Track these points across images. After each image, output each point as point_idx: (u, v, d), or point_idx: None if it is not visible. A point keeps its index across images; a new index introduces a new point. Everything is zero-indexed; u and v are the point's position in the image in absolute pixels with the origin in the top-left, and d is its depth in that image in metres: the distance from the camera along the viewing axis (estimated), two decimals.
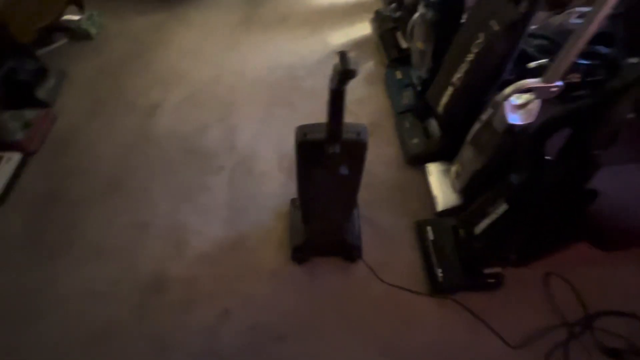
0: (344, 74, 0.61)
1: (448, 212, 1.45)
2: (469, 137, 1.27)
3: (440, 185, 1.52)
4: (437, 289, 1.26)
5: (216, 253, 1.40)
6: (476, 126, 1.21)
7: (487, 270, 1.20)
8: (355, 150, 0.81)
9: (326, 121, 0.75)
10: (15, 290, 1.29)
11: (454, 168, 1.48)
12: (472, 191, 1.39)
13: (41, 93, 1.83)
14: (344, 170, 0.83)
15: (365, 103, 1.92)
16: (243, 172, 1.64)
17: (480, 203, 1.12)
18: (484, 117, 1.16)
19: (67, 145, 1.72)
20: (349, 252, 1.31)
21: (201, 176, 1.62)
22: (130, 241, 1.42)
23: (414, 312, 1.24)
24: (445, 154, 1.56)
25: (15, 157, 1.58)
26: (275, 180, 1.62)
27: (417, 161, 1.61)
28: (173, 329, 1.22)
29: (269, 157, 1.70)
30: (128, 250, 1.39)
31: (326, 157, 0.79)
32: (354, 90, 1.98)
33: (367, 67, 2.12)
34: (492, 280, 1.22)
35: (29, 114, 1.70)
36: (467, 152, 1.33)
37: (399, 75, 1.95)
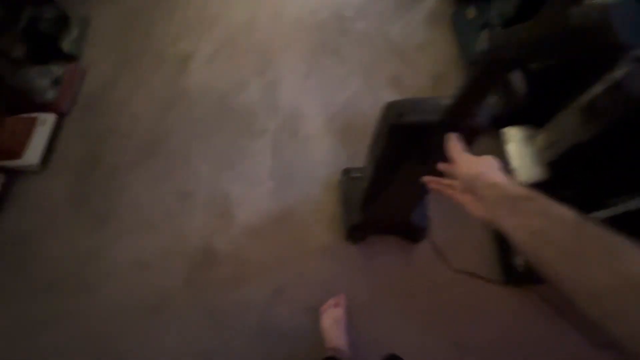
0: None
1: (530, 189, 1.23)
2: (582, 99, 0.99)
3: (521, 155, 1.28)
4: (514, 278, 1.11)
5: (263, 227, 1.30)
6: (597, 87, 0.93)
7: None
8: (471, 137, 0.60)
9: (455, 99, 0.53)
10: (68, 258, 1.29)
11: (542, 136, 1.22)
12: (566, 167, 1.15)
13: (66, 45, 1.67)
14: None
15: (426, 50, 1.61)
16: (287, 136, 1.47)
17: (593, 188, 0.90)
18: (613, 75, 0.88)
19: (100, 105, 1.60)
20: (413, 233, 1.16)
21: (242, 140, 1.47)
22: (175, 211, 1.34)
23: (485, 301, 1.12)
24: (530, 116, 1.29)
25: (49, 119, 1.49)
26: (323, 144, 1.44)
27: (494, 125, 1.35)
28: (226, 304, 1.18)
29: (315, 117, 1.50)
30: (173, 221, 1.33)
31: (432, 146, 0.59)
32: (412, 34, 1.65)
33: (429, 4, 1.75)
34: None
35: (57, 69, 1.57)
36: (569, 118, 1.06)
37: (471, 14, 1.58)
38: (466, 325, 1.10)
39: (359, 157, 1.40)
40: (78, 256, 1.29)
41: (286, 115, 1.51)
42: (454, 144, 0.54)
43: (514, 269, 1.11)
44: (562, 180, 1.19)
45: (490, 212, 0.44)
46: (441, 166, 0.56)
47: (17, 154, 1.39)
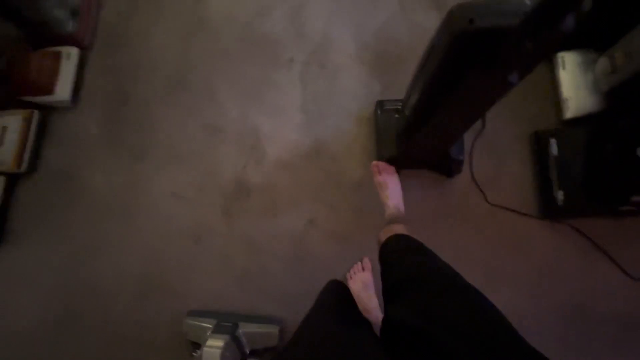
0: None
1: (580, 122, 1.14)
2: None
3: (575, 82, 1.16)
4: (554, 213, 1.08)
5: (294, 160, 1.30)
6: None
7: (636, 199, 0.97)
8: (548, 48, 0.53)
9: None
10: (108, 190, 1.35)
11: (604, 59, 1.09)
12: (630, 94, 1.04)
13: None
14: (514, 79, 0.56)
15: None
16: (317, 66, 1.38)
17: None
18: None
19: (121, 38, 1.53)
20: (449, 167, 1.13)
21: (268, 71, 1.40)
22: (206, 146, 1.35)
23: (522, 235, 1.11)
24: (591, 37, 1.14)
25: (74, 52, 1.45)
26: (355, 75, 1.35)
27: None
28: (261, 233, 1.24)
29: (346, 46, 1.39)
30: (205, 155, 1.34)
31: (511, 57, 0.52)
32: None
33: None
34: (632, 208, 1.01)
35: None
36: None
37: None
38: (501, 257, 1.11)
39: (394, 88, 1.32)
40: (120, 189, 1.35)
41: (315, 43, 1.41)
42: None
43: (554, 203, 1.07)
44: (619, 110, 1.09)
45: None
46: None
47: (49, 89, 1.39)
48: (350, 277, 1.13)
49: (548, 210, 1.09)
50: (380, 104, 1.22)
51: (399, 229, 0.83)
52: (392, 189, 1.09)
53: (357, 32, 1.40)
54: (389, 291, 0.56)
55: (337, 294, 0.73)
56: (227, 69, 1.43)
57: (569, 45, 1.19)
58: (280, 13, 1.47)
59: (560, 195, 1.06)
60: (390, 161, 1.14)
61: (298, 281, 1.18)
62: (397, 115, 1.15)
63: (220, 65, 1.44)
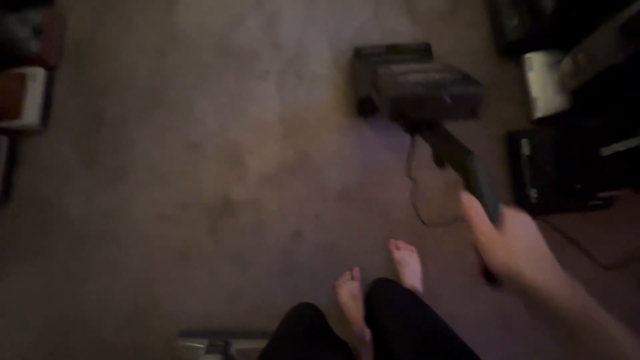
0: None
1: (549, 120, 1.19)
2: (620, 17, 0.89)
3: (543, 83, 1.21)
4: (528, 211, 1.12)
5: (277, 174, 1.30)
6: (638, 4, 0.83)
7: (602, 195, 1.03)
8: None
9: None
10: (92, 215, 1.32)
11: (567, 60, 1.13)
12: (592, 94, 1.09)
13: None
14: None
15: None
16: (293, 76, 1.38)
17: (623, 117, 0.86)
18: None
19: (90, 56, 1.48)
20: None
21: (245, 83, 1.39)
22: (187, 164, 1.34)
23: None
24: (555, 39, 1.19)
25: (39, 73, 1.40)
26: (331, 84, 1.36)
27: (514, 50, 1.26)
28: (249, 249, 1.25)
29: (321, 54, 1.39)
30: (187, 173, 1.33)
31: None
32: None
33: None
34: (599, 203, 1.07)
35: (34, 16, 1.42)
36: (603, 39, 0.97)
37: None
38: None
39: None
40: (101, 212, 1.32)
41: (290, 52, 1.41)
42: (472, 206, 0.40)
43: (527, 201, 1.12)
44: (584, 109, 1.15)
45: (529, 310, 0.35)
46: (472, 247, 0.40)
47: (15, 113, 1.34)
48: (339, 286, 1.15)
49: (522, 208, 1.14)
50: (357, 50, 1.27)
51: None
52: (411, 270, 1.11)
53: (332, 39, 1.41)
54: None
55: (312, 317, 0.74)
56: (203, 83, 1.41)
57: (536, 46, 1.23)
58: (253, 22, 1.45)
59: (533, 193, 1.11)
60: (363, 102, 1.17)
61: (288, 294, 1.20)
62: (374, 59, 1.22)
63: (195, 80, 1.42)
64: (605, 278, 1.10)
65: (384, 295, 0.74)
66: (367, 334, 1.02)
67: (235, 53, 1.43)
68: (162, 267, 1.26)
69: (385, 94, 0.65)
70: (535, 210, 1.13)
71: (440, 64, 0.82)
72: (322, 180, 1.28)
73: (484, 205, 0.41)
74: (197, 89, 1.41)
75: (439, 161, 0.58)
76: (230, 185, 1.30)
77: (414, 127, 0.65)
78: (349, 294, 1.10)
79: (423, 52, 1.23)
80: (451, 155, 0.52)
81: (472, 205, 0.40)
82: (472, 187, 0.42)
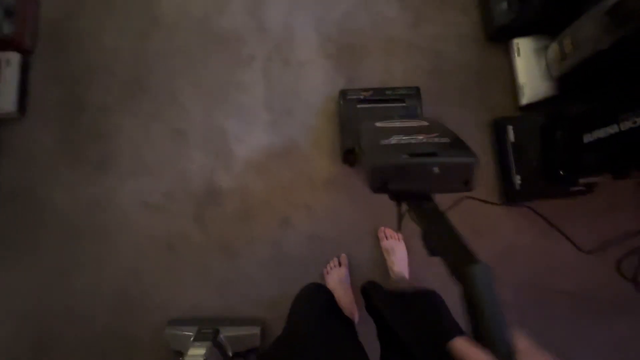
0: None
1: (535, 106, 1.20)
2: (606, 2, 0.89)
3: (530, 69, 1.21)
4: (513, 198, 1.15)
5: (264, 161, 1.29)
6: None
7: (583, 181, 1.04)
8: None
9: None
10: (77, 206, 1.30)
11: (555, 45, 1.13)
12: (578, 80, 1.09)
13: None
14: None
15: None
16: (280, 62, 1.35)
17: (605, 104, 0.86)
18: None
19: (68, 40, 1.42)
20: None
21: (230, 69, 1.36)
22: (172, 152, 1.31)
23: (486, 221, 1.18)
24: (543, 24, 1.18)
25: (14, 58, 1.34)
26: (318, 70, 1.34)
27: (502, 35, 1.24)
28: (236, 237, 1.24)
29: (308, 39, 1.36)
30: (172, 161, 1.30)
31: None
32: None
33: None
34: (581, 189, 1.08)
35: None
36: (590, 24, 0.97)
37: None
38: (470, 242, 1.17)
39: (358, 81, 1.32)
40: (86, 204, 1.30)
41: (276, 38, 1.37)
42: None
43: (512, 187, 1.14)
44: (571, 95, 1.15)
45: None
46: None
47: None
48: (327, 273, 1.16)
49: (507, 195, 1.16)
50: (343, 93, 1.22)
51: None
52: (399, 257, 1.13)
53: (319, 24, 1.37)
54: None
55: (325, 296, 0.79)
56: (187, 69, 1.37)
57: (524, 31, 1.22)
58: (238, 7, 1.41)
59: (517, 179, 1.13)
60: (349, 153, 1.15)
61: (277, 282, 1.20)
62: (359, 106, 1.17)
63: (179, 66, 1.38)
64: (586, 262, 1.13)
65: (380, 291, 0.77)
66: (357, 317, 1.07)
67: (220, 37, 1.38)
68: (150, 258, 1.25)
69: (367, 163, 0.56)
70: (520, 197, 1.15)
71: (428, 120, 0.74)
72: (310, 168, 1.27)
73: (493, 349, 0.30)
74: (181, 75, 1.37)
75: (431, 250, 0.50)
76: (216, 172, 1.28)
77: (399, 197, 0.58)
78: (337, 279, 1.12)
79: (412, 96, 1.19)
80: (446, 254, 0.43)
81: (473, 355, 0.30)
82: (475, 317, 0.33)
